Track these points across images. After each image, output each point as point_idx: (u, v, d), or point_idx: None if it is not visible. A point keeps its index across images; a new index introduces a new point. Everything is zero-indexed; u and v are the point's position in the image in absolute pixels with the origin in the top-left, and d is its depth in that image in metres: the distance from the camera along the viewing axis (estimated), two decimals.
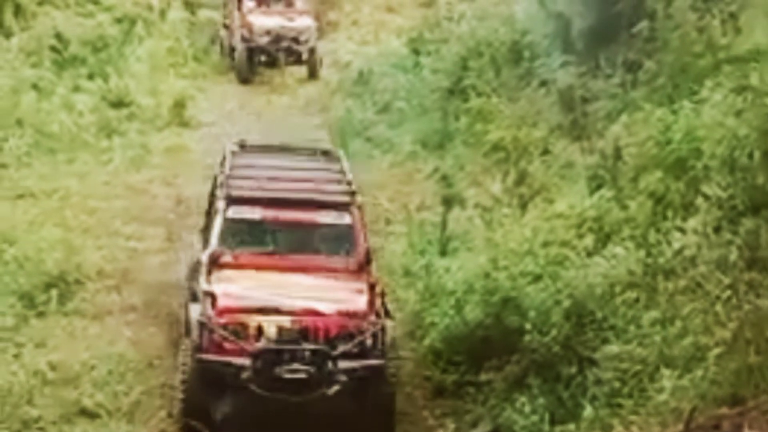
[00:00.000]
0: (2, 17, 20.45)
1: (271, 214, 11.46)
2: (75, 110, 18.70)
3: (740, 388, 7.28)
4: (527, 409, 9.27)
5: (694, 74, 12.60)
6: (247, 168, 12.44)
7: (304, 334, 10.52)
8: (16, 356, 11.47)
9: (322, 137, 18.17)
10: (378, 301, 10.75)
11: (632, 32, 14.63)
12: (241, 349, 10.38)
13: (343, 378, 10.36)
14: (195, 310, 10.73)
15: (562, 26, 16.61)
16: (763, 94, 9.52)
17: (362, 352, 10.49)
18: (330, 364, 10.38)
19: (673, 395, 7.96)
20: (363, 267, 11.18)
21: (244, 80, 22.40)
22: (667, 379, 8.15)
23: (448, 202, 13.80)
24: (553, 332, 9.53)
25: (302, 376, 10.36)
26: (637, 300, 9.32)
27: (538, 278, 10.33)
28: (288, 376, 10.36)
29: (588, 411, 8.66)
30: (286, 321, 10.54)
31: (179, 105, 19.90)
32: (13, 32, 20.39)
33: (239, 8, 23.19)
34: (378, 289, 10.86)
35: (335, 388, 10.32)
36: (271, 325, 10.53)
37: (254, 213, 11.50)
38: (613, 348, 8.98)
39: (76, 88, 19.50)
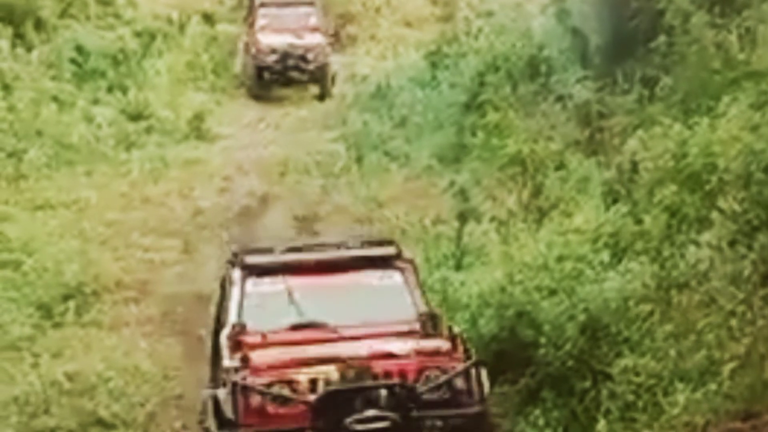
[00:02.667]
0: (23, 30, 20.61)
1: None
2: (94, 122, 18.87)
3: (754, 403, 7.27)
4: (541, 422, 9.26)
5: (712, 89, 12.60)
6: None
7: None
8: (33, 366, 11.53)
9: (338, 150, 18.25)
10: (461, 343, 8.75)
11: (649, 47, 14.65)
12: (292, 412, 8.28)
13: (438, 424, 8.30)
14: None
15: (579, 41, 16.65)
16: None
17: (453, 398, 8.46)
18: (417, 409, 8.28)
19: (686, 409, 7.95)
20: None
21: (255, 97, 22.53)
22: (681, 393, 8.15)
23: (463, 216, 13.82)
24: (568, 346, 9.52)
25: (384, 425, 8.15)
26: (651, 314, 9.31)
27: (553, 292, 10.33)
28: (363, 428, 8.16)
29: (602, 425, 8.65)
30: (349, 370, 8.43)
31: (198, 118, 20.04)
32: (34, 45, 20.55)
33: (251, 25, 23.35)
34: (457, 331, 9.00)
35: None
36: (329, 375, 8.38)
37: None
38: (628, 362, 8.97)
39: (96, 101, 19.68)
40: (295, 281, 9.36)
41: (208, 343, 10.15)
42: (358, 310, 9.18)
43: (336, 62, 23.37)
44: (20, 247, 13.94)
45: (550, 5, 18.25)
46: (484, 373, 8.53)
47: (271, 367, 8.45)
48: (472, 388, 8.42)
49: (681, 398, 8.17)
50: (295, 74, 22.83)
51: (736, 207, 9.23)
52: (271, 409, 8.28)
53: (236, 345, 8.70)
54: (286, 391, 8.38)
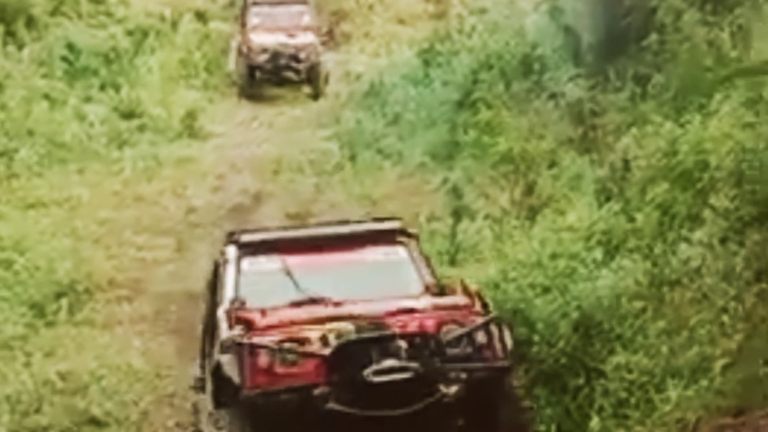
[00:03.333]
0: (14, 28, 20.57)
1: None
2: (86, 121, 18.83)
3: (746, 399, 7.29)
4: (534, 419, 9.26)
5: (703, 87, 12.60)
6: None
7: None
8: (25, 365, 11.50)
9: (332, 148, 18.24)
10: (479, 300, 8.27)
11: (641, 45, 14.66)
12: (302, 370, 7.65)
13: (463, 376, 7.66)
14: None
15: (572, 39, 16.65)
16: None
17: (476, 352, 7.86)
18: (439, 360, 7.65)
19: (678, 406, 7.97)
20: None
21: (248, 95, 22.51)
22: (673, 389, 8.16)
23: (457, 214, 13.83)
24: (561, 343, 9.53)
25: (405, 376, 7.54)
26: (644, 311, 9.33)
27: (546, 290, 10.34)
28: (382, 379, 7.53)
29: (595, 422, 8.66)
30: (364, 324, 7.78)
31: (190, 116, 20.02)
32: (26, 43, 20.50)
33: (244, 24, 23.33)
34: (474, 288, 8.55)
35: (455, 388, 7.61)
36: (343, 329, 7.72)
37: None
38: (620, 359, 8.98)
39: (88, 99, 19.64)
40: (294, 260, 8.82)
41: (200, 329, 9.96)
42: (363, 287, 8.60)
43: (330, 60, 23.35)
44: (12, 246, 13.91)
45: (543, 3, 18.26)
46: (506, 329, 8.07)
47: (278, 327, 7.86)
48: (495, 343, 7.88)
49: (673, 395, 8.18)
50: (287, 74, 22.80)
51: (728, 204, 9.24)
52: (280, 368, 7.63)
53: (235, 319, 8.12)
54: (297, 346, 7.69)
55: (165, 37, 22.92)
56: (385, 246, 9.09)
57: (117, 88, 20.06)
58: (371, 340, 7.69)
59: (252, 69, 22.62)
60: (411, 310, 7.99)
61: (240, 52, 22.87)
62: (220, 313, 8.54)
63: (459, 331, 7.88)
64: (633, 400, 8.60)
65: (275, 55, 22.60)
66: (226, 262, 9.03)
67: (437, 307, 8.10)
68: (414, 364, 7.59)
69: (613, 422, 8.55)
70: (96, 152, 18.11)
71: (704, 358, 8.09)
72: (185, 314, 12.40)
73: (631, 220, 10.85)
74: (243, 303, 8.37)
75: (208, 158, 18.57)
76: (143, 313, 12.97)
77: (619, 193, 11.76)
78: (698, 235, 9.42)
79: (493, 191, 14.17)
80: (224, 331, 8.21)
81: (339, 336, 7.74)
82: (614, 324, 9.42)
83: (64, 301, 12.81)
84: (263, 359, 7.66)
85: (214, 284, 9.41)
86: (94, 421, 10.66)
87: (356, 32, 26.09)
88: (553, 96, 15.80)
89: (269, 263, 8.89)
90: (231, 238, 9.26)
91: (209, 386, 8.40)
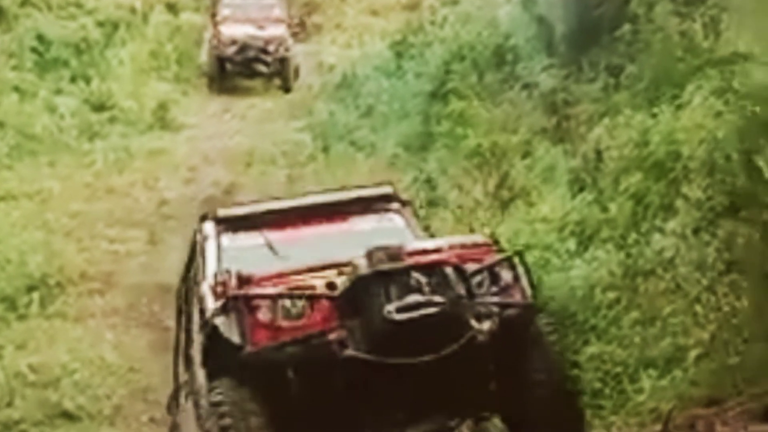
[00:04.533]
0: None
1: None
2: (57, 113, 18.72)
3: (719, 389, 7.31)
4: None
5: (676, 77, 12.62)
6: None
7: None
8: None
9: (304, 140, 18.21)
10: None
11: (614, 36, 14.65)
12: (309, 322, 6.73)
13: (494, 310, 6.85)
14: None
15: (545, 30, 16.64)
16: (742, 96, 9.56)
17: (502, 289, 7.12)
18: (467, 295, 6.81)
19: (652, 396, 7.98)
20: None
21: (219, 87, 22.44)
22: (647, 379, 8.18)
23: (431, 205, 13.81)
24: None
25: (431, 311, 6.62)
26: (617, 301, 9.34)
27: None
28: (406, 317, 6.55)
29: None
30: (379, 258, 6.78)
31: (162, 108, 19.95)
32: None
33: (214, 16, 23.26)
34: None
35: (488, 324, 6.75)
36: (355, 266, 6.80)
37: None
38: (594, 349, 8.99)
39: (59, 91, 19.52)
40: (279, 233, 8.08)
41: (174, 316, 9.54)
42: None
43: (302, 52, 23.30)
44: None
45: None
46: (525, 272, 7.32)
47: (278, 277, 7.03)
48: (521, 280, 7.22)
49: (647, 385, 8.20)
50: (256, 66, 22.73)
51: (700, 194, 9.26)
52: (284, 322, 6.77)
53: (221, 292, 7.24)
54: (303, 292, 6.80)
55: (136, 28, 22.80)
56: (377, 214, 8.37)
57: (88, 80, 19.94)
58: (388, 274, 6.68)
59: (221, 61, 22.55)
60: (426, 250, 7.09)
61: (211, 43, 22.80)
62: (204, 288, 7.73)
63: (483, 263, 7.04)
64: (607, 391, 8.62)
65: (244, 47, 22.54)
66: (204, 239, 8.30)
67: (454, 246, 7.27)
68: (440, 299, 6.68)
69: (588, 413, 8.55)
70: (67, 144, 18.01)
71: (678, 348, 8.10)
72: (158, 307, 12.35)
73: (605, 210, 10.86)
74: (230, 273, 7.30)
75: (180, 150, 18.51)
76: (116, 306, 12.91)
77: (593, 183, 11.77)
78: (671, 225, 9.43)
79: (466, 182, 14.16)
80: (210, 304, 7.42)
81: (351, 272, 6.78)
82: (588, 315, 9.43)
83: (35, 295, 12.74)
84: (265, 313, 6.82)
85: (189, 264, 8.76)
86: (67, 415, 10.60)
87: (328, 23, 26.05)
88: (526, 86, 15.80)
89: (251, 238, 8.15)
90: (209, 215, 8.57)
91: (201, 357, 7.53)
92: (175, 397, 8.75)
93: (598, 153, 12.25)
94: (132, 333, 12.30)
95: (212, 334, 7.02)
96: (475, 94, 16.36)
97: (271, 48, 22.52)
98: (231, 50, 22.42)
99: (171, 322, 11.83)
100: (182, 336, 8.92)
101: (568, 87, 14.96)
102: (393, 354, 6.54)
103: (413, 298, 6.69)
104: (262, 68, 22.66)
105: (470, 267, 7.03)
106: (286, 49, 22.61)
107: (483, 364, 6.94)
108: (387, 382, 6.62)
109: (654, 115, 11.40)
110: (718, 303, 7.95)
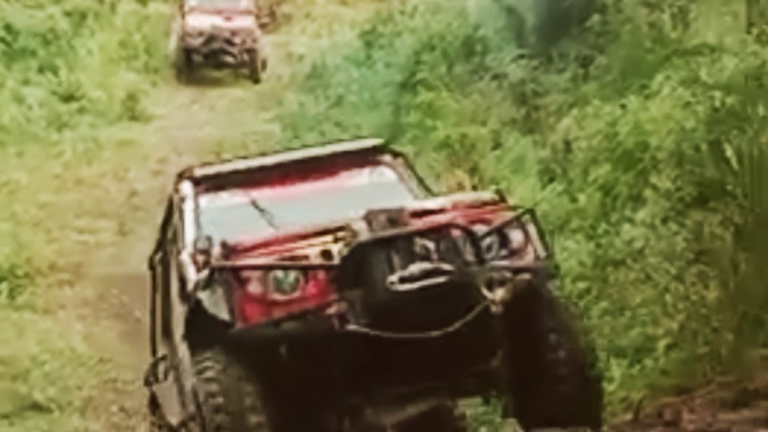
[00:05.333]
0: None
1: None
2: (25, 103, 18.62)
3: (688, 378, 7.36)
4: (478, 399, 9.27)
5: (645, 68, 12.68)
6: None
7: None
8: None
9: (274, 130, 18.18)
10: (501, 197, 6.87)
11: (584, 26, 14.71)
12: (304, 294, 6.14)
13: (507, 275, 6.20)
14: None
15: (515, 20, 16.67)
16: (710, 87, 9.62)
17: (514, 252, 6.42)
18: (477, 261, 6.19)
19: (622, 385, 8.03)
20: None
21: (188, 79, 22.36)
22: (617, 369, 8.23)
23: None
24: None
25: (438, 281, 6.04)
26: (587, 291, 9.38)
27: None
28: (410, 287, 6.01)
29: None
30: (379, 222, 6.16)
31: (131, 99, 19.87)
32: None
33: (182, 6, 23.16)
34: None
35: (501, 292, 6.12)
36: (354, 231, 6.17)
37: None
38: None
39: (26, 81, 19.41)
40: (262, 192, 7.44)
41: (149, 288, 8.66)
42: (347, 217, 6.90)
43: (271, 42, 23.24)
44: None
45: None
46: (537, 231, 6.62)
47: (266, 245, 6.35)
48: (534, 241, 6.52)
49: (617, 374, 8.24)
50: (222, 58, 22.64)
51: (669, 185, 9.31)
52: (277, 295, 6.15)
53: (204, 262, 6.58)
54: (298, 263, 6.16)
55: (104, 18, 22.69)
56: (368, 168, 7.65)
57: (56, 71, 19.84)
58: (391, 240, 6.09)
59: (188, 52, 22.47)
60: (428, 211, 6.46)
61: (178, 35, 22.72)
62: (184, 257, 7.05)
63: (493, 224, 6.38)
64: None
65: (210, 39, 22.45)
66: (182, 200, 7.62)
67: (460, 205, 6.60)
68: (449, 266, 6.06)
69: None
70: (35, 135, 17.92)
71: (647, 338, 8.15)
72: (128, 298, 12.32)
73: (574, 200, 10.91)
74: (210, 240, 6.65)
75: (150, 141, 18.44)
76: (85, 297, 12.87)
77: (562, 174, 11.82)
78: (640, 215, 9.48)
79: (437, 173, 14.18)
80: (192, 275, 6.77)
81: (349, 239, 6.16)
82: None
83: (4, 286, 12.68)
84: (255, 286, 6.16)
85: (164, 230, 8.16)
86: (37, 407, 10.57)
87: (297, 13, 26.00)
88: (496, 77, 15.82)
89: (233, 198, 7.49)
90: (185, 174, 7.87)
91: (182, 332, 6.97)
92: (154, 370, 8.34)
93: (568, 144, 12.29)
94: (102, 324, 12.27)
95: (196, 309, 6.38)
96: (444, 84, 16.38)
97: (237, 39, 22.43)
98: (197, 42, 22.32)
99: (141, 314, 11.81)
100: (159, 304, 8.34)
101: (538, 78, 15.00)
102: (398, 328, 5.94)
103: (419, 266, 6.05)
104: (229, 59, 22.57)
105: (480, 229, 6.34)
106: (254, 40, 22.51)
107: (494, 337, 6.26)
108: (390, 358, 6.06)
109: (623, 106, 11.45)
110: (687, 293, 8.00)
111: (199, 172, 7.71)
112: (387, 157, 7.77)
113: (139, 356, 10.24)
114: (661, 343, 7.89)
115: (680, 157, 9.37)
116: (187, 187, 7.67)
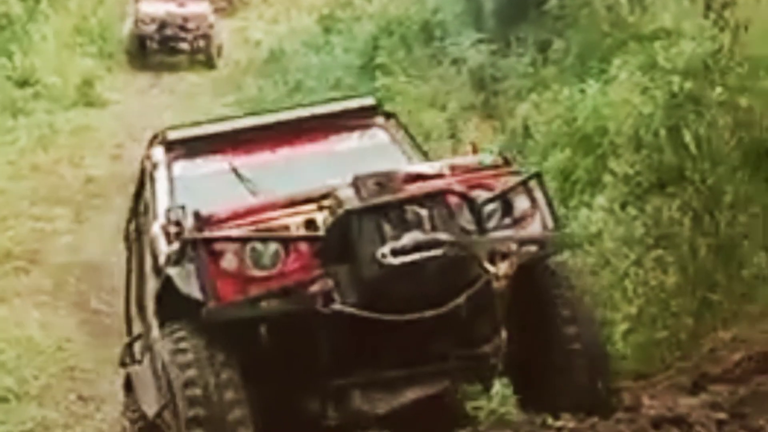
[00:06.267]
0: None
1: None
2: None
3: (647, 363, 7.39)
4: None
5: (603, 53, 12.71)
6: None
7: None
8: None
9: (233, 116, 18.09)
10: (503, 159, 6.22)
11: (542, 11, 14.73)
12: (286, 269, 5.59)
13: (512, 248, 5.63)
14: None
15: (473, 5, 16.67)
16: (668, 72, 9.65)
17: (518, 221, 5.85)
18: (478, 230, 5.61)
19: None
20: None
21: (143, 65, 22.19)
22: None
23: None
24: None
25: (434, 254, 5.46)
26: None
27: None
28: (405, 260, 5.42)
29: (498, 387, 8.68)
30: (369, 187, 5.58)
31: (87, 84, 19.69)
32: None
33: None
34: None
35: (505, 266, 5.53)
36: (340, 198, 5.62)
37: None
38: None
39: None
40: (242, 157, 6.87)
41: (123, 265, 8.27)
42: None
43: (228, 27, 23.11)
44: None
45: None
46: (545, 198, 6.04)
47: (244, 215, 5.78)
48: (541, 207, 5.96)
49: None
50: (176, 44, 22.47)
51: (628, 169, 9.33)
52: (255, 271, 5.61)
53: (176, 234, 6.05)
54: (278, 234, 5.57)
55: (59, 2, 22.44)
56: (359, 130, 7.11)
57: (10, 56, 19.61)
58: (381, 207, 5.51)
59: (142, 39, 22.30)
60: (423, 176, 5.87)
61: (131, 21, 22.55)
62: (155, 229, 6.53)
63: (496, 191, 5.80)
64: None
65: (163, 25, 22.28)
66: (154, 167, 7.03)
67: (458, 169, 6.00)
68: (446, 236, 5.48)
69: None
70: None
71: (606, 323, 8.18)
72: (85, 286, 12.22)
73: None
74: (183, 210, 6.12)
75: (106, 127, 18.29)
76: (42, 285, 12.73)
77: (521, 158, 11.82)
78: (599, 200, 9.51)
79: None
80: (163, 247, 6.26)
81: (336, 208, 5.56)
82: None
83: None
84: (230, 260, 5.60)
85: (136, 201, 7.60)
86: None
87: None
88: (454, 62, 15.82)
89: (210, 164, 6.94)
90: (157, 138, 7.25)
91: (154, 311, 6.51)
92: (129, 350, 7.92)
93: (526, 128, 12.31)
94: (59, 312, 12.15)
95: (167, 285, 5.88)
96: (402, 69, 16.35)
97: (191, 25, 22.28)
98: (150, 28, 22.17)
99: (99, 303, 11.73)
100: (133, 280, 7.83)
101: (497, 62, 15.01)
102: (389, 307, 5.41)
103: (412, 236, 5.46)
104: (183, 46, 22.41)
105: (481, 195, 5.76)
106: (209, 26, 22.36)
107: (496, 315, 5.70)
108: (380, 339, 5.55)
109: (582, 91, 11.48)
110: (646, 278, 8.03)
111: (172, 136, 7.09)
112: (379, 118, 7.26)
113: (97, 345, 10.17)
114: (620, 328, 7.91)
115: (639, 142, 9.39)
116: (159, 153, 7.09)
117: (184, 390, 5.51)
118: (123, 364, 8.02)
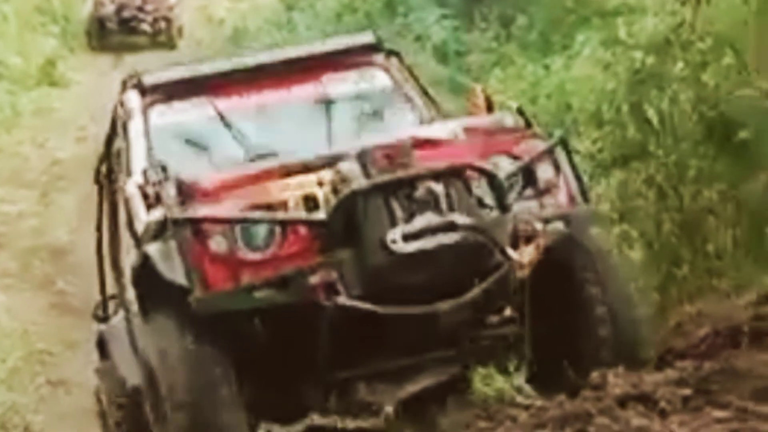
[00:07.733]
0: None
1: None
2: None
3: None
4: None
5: (565, 28, 12.77)
6: None
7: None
8: None
9: None
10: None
11: None
12: (281, 253, 4.96)
13: (539, 227, 5.01)
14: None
15: None
16: (630, 47, 9.69)
17: (543, 195, 5.22)
18: (499, 208, 5.00)
19: None
20: None
21: (97, 48, 22.02)
22: None
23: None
24: None
25: (453, 237, 4.88)
26: None
27: None
28: (417, 247, 4.85)
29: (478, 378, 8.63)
30: (378, 161, 4.94)
31: (50, 64, 19.55)
32: None
33: None
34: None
35: (529, 251, 4.96)
36: (344, 174, 4.97)
37: None
38: None
39: None
40: (228, 104, 6.16)
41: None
42: (335, 134, 5.98)
43: (190, 5, 22.97)
44: None
45: None
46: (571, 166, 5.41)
47: (234, 187, 5.11)
48: (567, 178, 5.32)
49: None
50: (136, 25, 22.32)
51: (591, 146, 9.38)
52: (247, 254, 4.97)
53: (155, 197, 5.32)
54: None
55: None
56: (357, 70, 6.40)
57: None
58: (391, 185, 4.90)
59: (101, 21, 22.17)
60: (434, 142, 5.23)
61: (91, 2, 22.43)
62: (131, 188, 5.73)
63: (519, 162, 5.18)
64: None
65: (121, 7, 22.16)
66: (128, 116, 6.24)
67: (474, 131, 5.35)
68: (463, 219, 4.91)
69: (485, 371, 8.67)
70: None
71: None
72: (51, 269, 12.16)
73: None
74: (164, 168, 5.34)
75: (70, 108, 18.18)
76: (7, 268, 12.66)
77: None
78: None
79: None
80: (141, 213, 5.54)
81: (339, 184, 4.96)
82: None
83: None
84: (219, 242, 4.94)
85: (107, 153, 6.81)
86: None
87: None
88: (418, 38, 15.84)
89: (190, 111, 6.24)
90: (131, 81, 6.44)
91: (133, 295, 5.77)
92: (103, 306, 7.30)
93: (489, 104, 12.33)
94: (25, 295, 12.09)
95: (145, 263, 5.23)
96: None
97: (149, 7, 22.17)
98: (109, 10, 22.06)
99: (65, 285, 11.69)
100: (106, 234, 7.07)
101: (460, 38, 15.05)
102: (399, 299, 4.87)
103: (426, 218, 4.87)
104: (143, 27, 22.29)
105: (503, 167, 5.13)
106: (168, 8, 22.25)
107: (516, 299, 5.16)
108: (388, 331, 5.03)
109: (546, 66, 11.53)
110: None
111: (148, 80, 6.30)
112: (379, 58, 6.48)
113: (65, 327, 10.14)
114: None
115: (601, 118, 9.44)
116: (133, 99, 6.29)
117: (171, 394, 5.00)
118: (96, 319, 7.40)
